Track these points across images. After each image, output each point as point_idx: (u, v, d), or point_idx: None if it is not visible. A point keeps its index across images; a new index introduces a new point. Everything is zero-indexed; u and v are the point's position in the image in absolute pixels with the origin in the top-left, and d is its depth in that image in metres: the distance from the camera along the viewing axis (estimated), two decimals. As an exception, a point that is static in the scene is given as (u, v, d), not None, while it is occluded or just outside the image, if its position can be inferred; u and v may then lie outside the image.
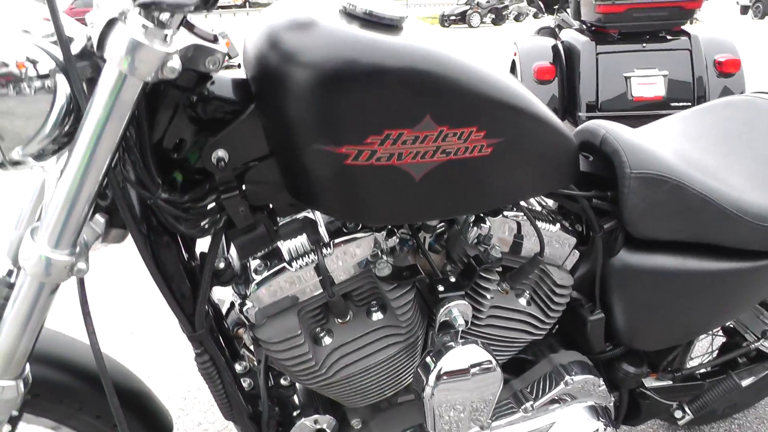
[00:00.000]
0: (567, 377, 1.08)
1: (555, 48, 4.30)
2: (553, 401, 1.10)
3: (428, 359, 0.91)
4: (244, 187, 0.78)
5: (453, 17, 21.63)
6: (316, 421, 1.01)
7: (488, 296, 0.98)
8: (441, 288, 0.93)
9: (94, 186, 0.66)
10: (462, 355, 0.90)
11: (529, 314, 1.04)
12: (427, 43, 0.77)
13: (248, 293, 0.86)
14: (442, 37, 0.83)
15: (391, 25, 0.77)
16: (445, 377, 0.89)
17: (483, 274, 0.96)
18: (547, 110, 0.89)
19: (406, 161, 0.76)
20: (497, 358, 0.95)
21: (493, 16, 21.60)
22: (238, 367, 0.97)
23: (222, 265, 0.87)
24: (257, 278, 0.86)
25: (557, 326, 1.16)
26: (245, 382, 0.98)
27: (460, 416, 0.94)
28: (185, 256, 0.85)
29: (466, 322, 0.92)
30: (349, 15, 0.77)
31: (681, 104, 3.77)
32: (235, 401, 0.94)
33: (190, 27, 0.69)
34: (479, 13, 21.35)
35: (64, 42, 0.61)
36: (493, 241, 0.97)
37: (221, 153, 0.74)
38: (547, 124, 0.88)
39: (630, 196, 1.00)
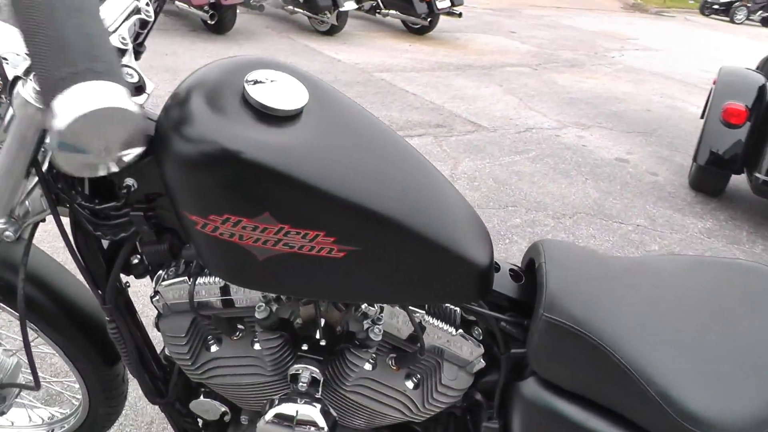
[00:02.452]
0: None
1: (761, 90, 3.75)
2: None
3: (276, 398, 1.01)
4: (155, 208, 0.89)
5: (716, 6, 19.17)
6: (219, 404, 1.13)
7: (354, 369, 0.99)
8: (305, 347, 0.98)
9: (18, 180, 0.83)
10: (298, 409, 0.99)
11: (406, 397, 1.03)
12: (294, 141, 0.77)
13: (157, 289, 0.98)
14: (336, 132, 0.82)
15: (285, 117, 0.78)
16: (275, 419, 0.99)
17: (353, 350, 0.97)
18: (442, 228, 0.84)
19: (247, 243, 0.79)
20: (365, 422, 1.04)
21: (765, 15, 18.88)
22: None
23: (135, 261, 0.98)
24: (166, 279, 0.97)
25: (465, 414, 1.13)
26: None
27: None
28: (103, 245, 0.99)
29: (314, 382, 0.98)
30: (246, 102, 0.78)
31: None
32: (134, 362, 1.08)
33: None
34: (747, 8, 18.74)
35: None
36: (383, 324, 0.97)
37: (130, 181, 0.85)
38: (428, 241, 0.83)
39: (537, 335, 0.92)
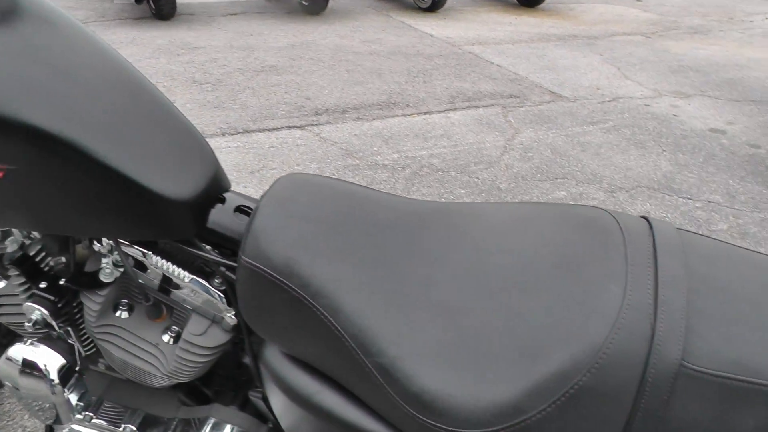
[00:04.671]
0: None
1: None
2: None
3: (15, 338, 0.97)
4: None
5: None
6: None
7: (90, 313, 0.90)
8: (43, 285, 0.90)
9: None
10: (24, 352, 0.94)
11: (159, 351, 0.91)
12: None
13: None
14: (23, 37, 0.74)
15: None
16: (8, 359, 0.94)
17: (85, 293, 0.90)
18: (123, 152, 0.73)
19: None
20: (131, 375, 0.93)
21: None
22: None
23: None
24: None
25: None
26: None
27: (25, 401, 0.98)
28: None
29: (46, 324, 0.90)
30: None
31: None
32: None
33: None
34: None
35: None
36: (105, 262, 0.88)
37: None
38: (99, 165, 0.72)
39: (240, 284, 0.76)
